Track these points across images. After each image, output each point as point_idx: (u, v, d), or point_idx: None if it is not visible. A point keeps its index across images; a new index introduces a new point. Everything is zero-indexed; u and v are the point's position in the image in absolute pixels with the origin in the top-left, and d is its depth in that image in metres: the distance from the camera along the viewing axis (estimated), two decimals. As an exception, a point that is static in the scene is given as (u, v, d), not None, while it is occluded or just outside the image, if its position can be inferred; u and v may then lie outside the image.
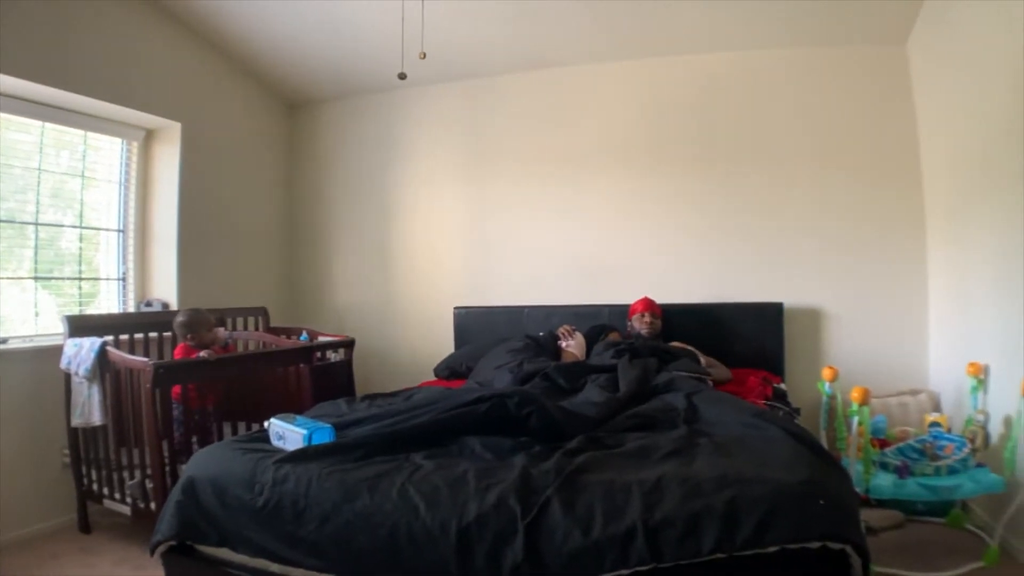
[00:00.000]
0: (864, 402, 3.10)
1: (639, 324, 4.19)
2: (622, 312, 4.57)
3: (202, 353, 3.76)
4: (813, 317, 4.64)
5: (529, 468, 2.06)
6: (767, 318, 4.49)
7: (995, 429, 3.37)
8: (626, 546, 1.71)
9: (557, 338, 4.32)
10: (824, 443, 3.47)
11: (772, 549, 1.69)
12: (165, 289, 4.67)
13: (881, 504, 3.64)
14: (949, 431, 3.52)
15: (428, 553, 1.86)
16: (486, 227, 5.32)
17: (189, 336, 3.91)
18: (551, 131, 5.16)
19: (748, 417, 2.50)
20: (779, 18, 4.42)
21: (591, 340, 4.24)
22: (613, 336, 4.11)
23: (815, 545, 1.70)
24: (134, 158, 4.68)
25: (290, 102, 5.84)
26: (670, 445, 2.26)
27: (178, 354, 3.91)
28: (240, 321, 4.90)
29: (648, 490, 1.86)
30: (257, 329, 5.00)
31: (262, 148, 5.60)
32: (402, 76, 3.64)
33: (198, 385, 3.65)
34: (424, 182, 5.49)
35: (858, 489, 3.03)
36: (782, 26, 4.51)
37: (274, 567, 2.11)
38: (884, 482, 3.07)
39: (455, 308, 5.18)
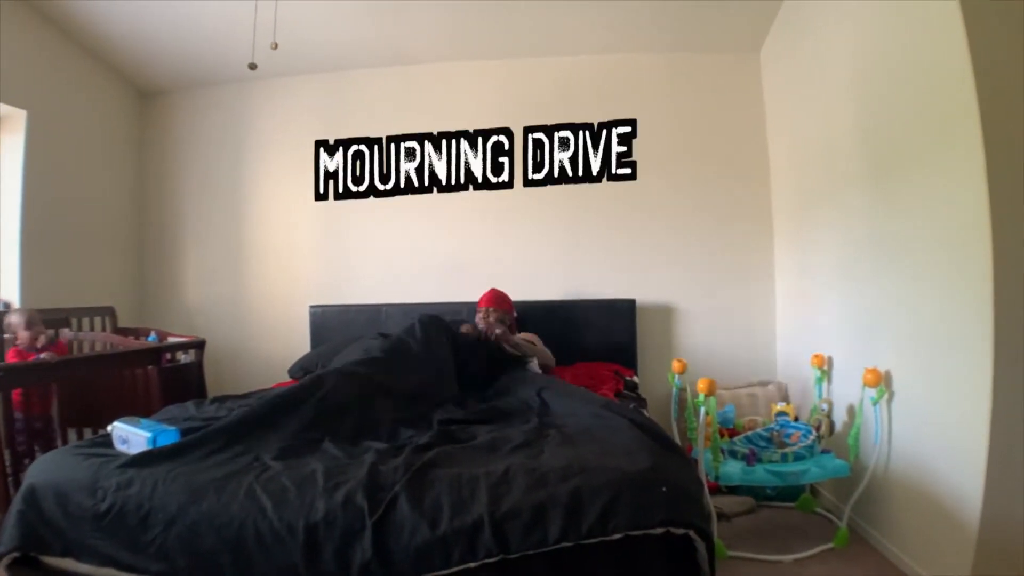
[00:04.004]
0: (710, 393, 3.21)
1: (478, 319, 4.20)
2: (482, 309, 4.62)
3: (43, 355, 3.55)
4: (666, 313, 4.81)
5: (378, 465, 2.05)
6: (621, 314, 4.63)
7: (839, 417, 3.57)
8: (473, 539, 1.72)
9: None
10: (675, 434, 3.58)
11: (616, 536, 1.73)
12: (6, 287, 4.35)
13: (732, 491, 3.80)
14: (796, 420, 3.70)
15: (276, 553, 1.81)
16: (343, 225, 5.22)
17: (18, 338, 3.69)
18: (409, 128, 5.11)
19: (596, 408, 2.57)
20: (639, 24, 4.56)
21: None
22: (465, 329, 4.11)
23: (658, 531, 1.75)
24: (-27, 147, 4.34)
25: (141, 91, 5.52)
26: (520, 438, 2.30)
27: (10, 358, 3.67)
28: (86, 321, 4.63)
29: (495, 482, 1.88)
30: (104, 330, 4.74)
31: (111, 138, 5.28)
32: (252, 66, 3.56)
33: (40, 389, 3.43)
34: (279, 177, 5.33)
35: (708, 477, 3.16)
36: (641, 32, 4.66)
37: (120, 576, 2.02)
38: (733, 469, 3.17)
39: (311, 307, 5.05)
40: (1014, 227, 2.37)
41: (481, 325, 4.05)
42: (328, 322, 4.93)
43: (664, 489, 1.83)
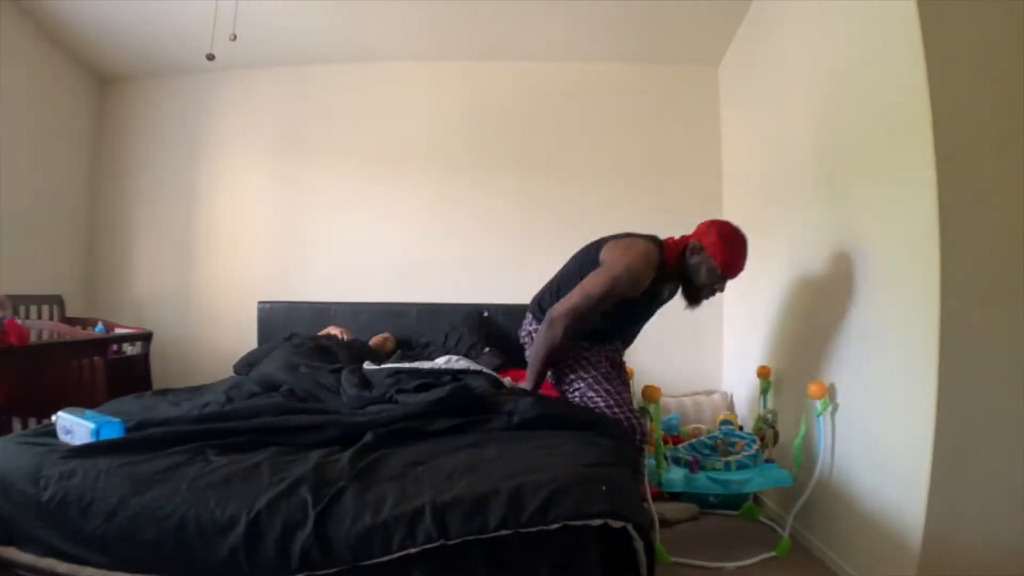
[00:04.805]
0: (654, 399, 3.27)
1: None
2: (430, 311, 4.69)
3: None
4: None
5: (323, 461, 2.08)
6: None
7: (784, 428, 3.64)
8: (414, 525, 1.74)
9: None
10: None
11: (555, 526, 1.76)
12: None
13: (675, 497, 3.84)
14: (741, 429, 3.76)
15: (217, 544, 1.81)
16: (295, 220, 5.24)
17: None
18: (367, 126, 5.17)
19: (548, 409, 2.60)
20: (601, 33, 4.68)
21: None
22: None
23: (597, 522, 1.78)
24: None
25: (100, 77, 5.47)
26: (472, 437, 2.35)
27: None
28: (33, 309, 4.58)
29: (439, 479, 1.93)
30: (51, 318, 4.70)
31: (67, 123, 5.22)
32: (210, 57, 3.59)
33: None
34: (234, 170, 5.34)
35: (652, 482, 3.20)
36: (603, 41, 4.79)
37: (62, 567, 1.98)
38: (676, 476, 3.22)
39: (259, 303, 5.04)
40: (962, 242, 2.45)
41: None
42: (276, 318, 4.94)
43: (604, 488, 1.87)
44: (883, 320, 2.83)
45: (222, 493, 1.90)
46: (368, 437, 2.30)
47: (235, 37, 3.54)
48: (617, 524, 1.80)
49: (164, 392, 3.29)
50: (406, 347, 4.52)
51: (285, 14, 4.58)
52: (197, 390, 3.31)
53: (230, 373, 4.27)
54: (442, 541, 1.72)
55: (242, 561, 1.79)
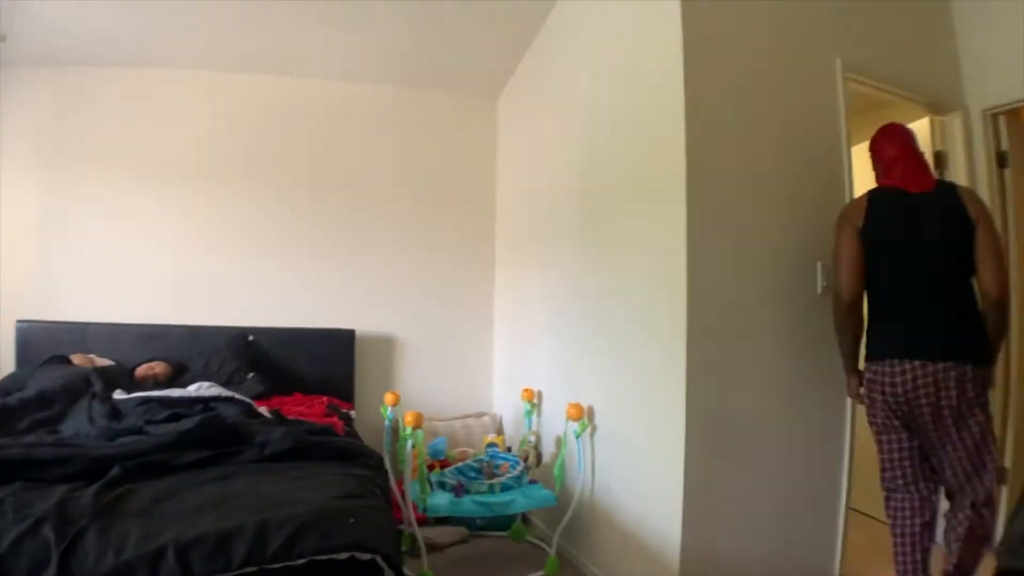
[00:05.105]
0: (417, 425, 3.30)
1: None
2: (194, 334, 4.42)
3: None
4: (386, 344, 4.90)
5: (67, 497, 1.93)
6: (339, 344, 4.65)
7: (547, 449, 3.77)
8: (156, 564, 1.66)
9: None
10: (387, 464, 3.61)
11: (301, 561, 1.73)
12: None
13: (443, 521, 3.87)
14: (508, 450, 3.86)
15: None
16: (58, 232, 4.69)
17: None
18: (136, 135, 4.76)
19: (301, 439, 2.55)
20: (382, 56, 4.66)
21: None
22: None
23: (343, 556, 1.77)
24: None
25: None
26: (222, 470, 2.27)
27: None
28: None
29: (185, 515, 1.85)
30: None
31: None
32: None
33: None
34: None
35: (417, 508, 3.21)
36: (383, 64, 4.77)
37: None
38: (441, 500, 3.25)
39: (18, 321, 4.54)
40: (704, 276, 2.70)
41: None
42: (36, 338, 4.40)
43: (352, 520, 1.87)
44: (638, 346, 3.02)
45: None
46: (115, 471, 2.16)
47: (5, 38, 3.20)
48: (365, 556, 1.80)
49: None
50: (181, 372, 4.25)
51: (59, 12, 4.12)
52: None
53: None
54: (183, 581, 1.64)
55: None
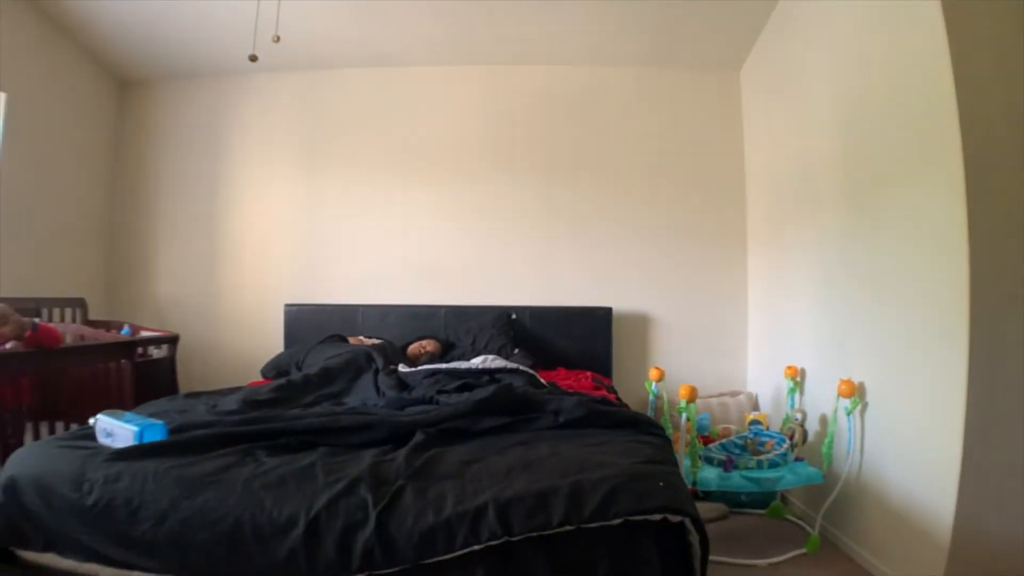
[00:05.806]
0: (692, 399, 3.29)
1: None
2: (457, 313, 4.68)
3: (8, 345, 3.42)
4: (641, 322, 4.92)
5: (378, 460, 2.06)
6: (597, 321, 4.74)
7: (812, 427, 3.64)
8: (477, 522, 1.72)
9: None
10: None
11: (616, 521, 1.75)
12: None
13: (707, 496, 3.84)
14: (768, 429, 3.76)
15: (275, 546, 1.78)
16: (321, 223, 5.22)
17: None
18: (393, 130, 5.18)
19: (593, 408, 2.59)
20: (621, 36, 4.68)
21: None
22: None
23: (656, 517, 1.78)
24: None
25: (122, 80, 5.45)
26: (520, 436, 2.36)
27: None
28: (56, 312, 4.51)
29: (498, 476, 1.91)
30: (75, 321, 4.64)
31: (89, 127, 5.20)
32: (253, 58, 3.57)
33: (11, 380, 3.28)
34: (259, 174, 5.32)
35: (687, 482, 3.19)
36: (623, 44, 4.79)
37: (106, 572, 1.95)
38: (710, 475, 3.24)
39: (286, 305, 5.01)
40: (991, 243, 2.46)
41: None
42: (303, 321, 4.90)
43: (662, 484, 1.88)
44: (911, 319, 2.85)
45: (278, 494, 1.87)
46: (419, 436, 2.29)
47: (279, 39, 3.52)
48: (676, 518, 1.80)
49: (197, 395, 3.27)
50: (449, 349, 4.51)
51: (309, 19, 4.56)
52: (237, 391, 3.24)
53: (256, 376, 4.24)
54: (506, 538, 1.71)
55: (301, 562, 1.77)
